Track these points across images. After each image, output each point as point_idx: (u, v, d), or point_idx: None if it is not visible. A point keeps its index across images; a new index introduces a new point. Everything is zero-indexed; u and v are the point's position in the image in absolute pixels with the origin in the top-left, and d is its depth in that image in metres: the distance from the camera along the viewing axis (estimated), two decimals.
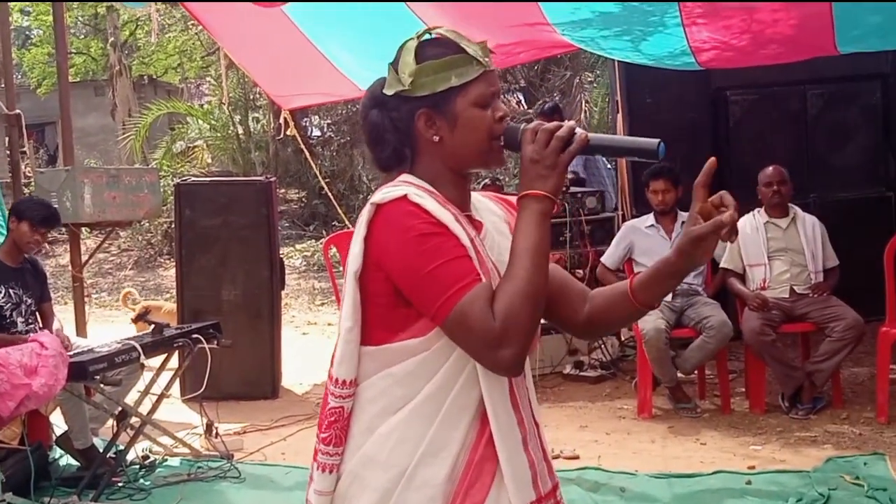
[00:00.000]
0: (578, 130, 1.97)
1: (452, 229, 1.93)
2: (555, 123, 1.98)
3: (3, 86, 10.69)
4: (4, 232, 6.58)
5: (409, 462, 1.97)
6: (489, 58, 2.05)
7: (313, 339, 10.56)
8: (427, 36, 2.08)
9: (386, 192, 1.95)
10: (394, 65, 2.06)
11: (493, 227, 2.11)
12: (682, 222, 6.75)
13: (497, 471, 1.99)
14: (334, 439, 2.03)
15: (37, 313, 5.92)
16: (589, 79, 17.88)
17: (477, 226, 2.08)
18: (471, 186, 2.15)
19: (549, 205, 1.94)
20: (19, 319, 5.74)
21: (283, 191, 18.14)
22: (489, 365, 1.91)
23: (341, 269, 8.51)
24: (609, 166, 9.03)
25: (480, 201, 2.18)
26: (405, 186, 1.97)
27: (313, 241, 16.73)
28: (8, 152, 8.58)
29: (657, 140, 1.96)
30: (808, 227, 6.70)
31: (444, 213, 1.94)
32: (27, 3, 23.14)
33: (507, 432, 2.00)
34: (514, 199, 2.05)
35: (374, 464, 2.00)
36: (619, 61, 7.82)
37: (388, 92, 2.05)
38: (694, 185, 1.99)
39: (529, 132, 1.97)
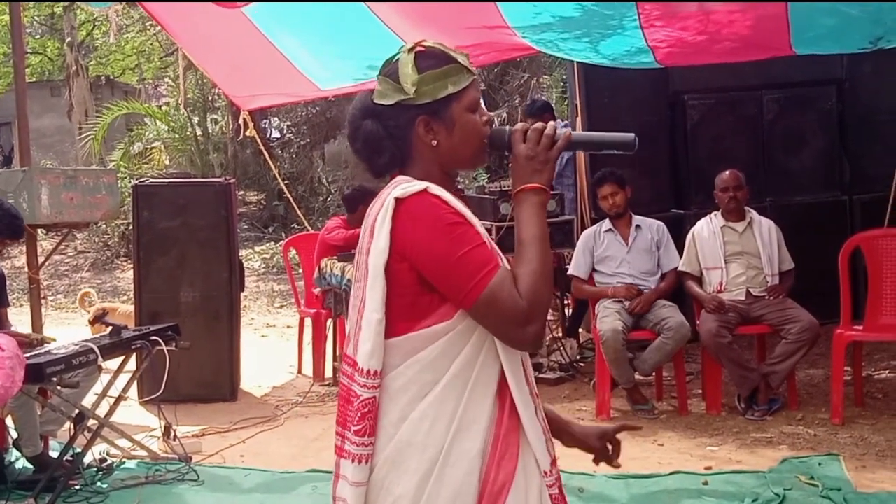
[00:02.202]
0: (560, 129, 2.21)
1: (470, 219, 2.11)
2: (541, 123, 2.21)
3: None
4: None
5: (445, 440, 2.09)
6: (473, 67, 2.24)
7: (272, 341, 10.53)
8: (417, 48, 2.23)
9: (405, 188, 2.10)
10: (389, 76, 2.20)
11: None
12: (638, 225, 6.86)
13: (521, 441, 2.15)
14: (368, 430, 2.11)
15: None
16: (547, 82, 17.96)
17: None
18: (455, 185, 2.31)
19: (545, 196, 2.17)
20: None
21: (241, 193, 18.06)
22: (516, 341, 2.10)
23: (301, 271, 8.51)
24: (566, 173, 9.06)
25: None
26: (420, 181, 2.13)
27: (272, 243, 16.66)
28: None
29: (632, 134, 2.22)
30: (765, 230, 6.77)
31: (460, 205, 2.13)
32: None
33: (526, 403, 2.16)
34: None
35: (412, 447, 2.09)
36: (577, 64, 7.87)
37: (386, 102, 2.19)
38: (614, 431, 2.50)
39: (519, 133, 2.20)
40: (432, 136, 2.19)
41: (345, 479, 2.14)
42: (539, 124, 2.20)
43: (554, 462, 2.21)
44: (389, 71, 2.20)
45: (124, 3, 6.53)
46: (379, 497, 2.12)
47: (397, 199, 2.09)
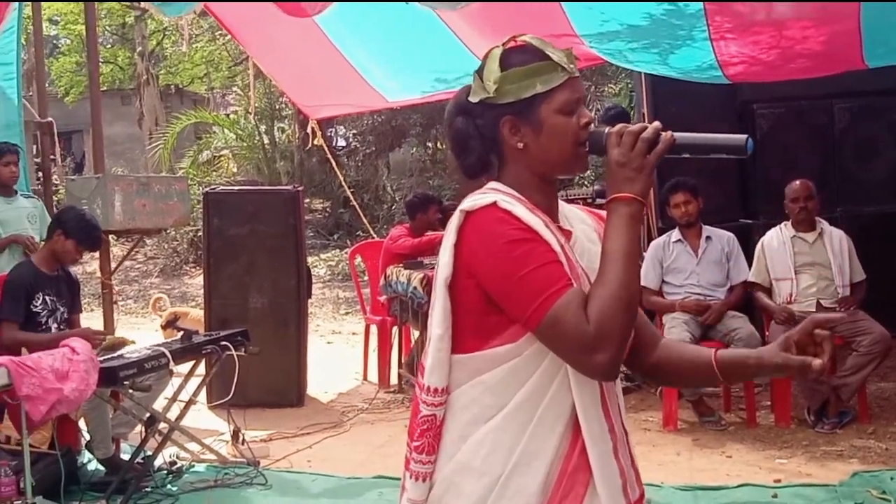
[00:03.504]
0: (663, 131, 1.96)
1: (542, 235, 1.93)
2: (640, 125, 1.96)
3: (32, 94, 10.81)
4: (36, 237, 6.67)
5: (503, 470, 1.96)
6: (574, 64, 2.05)
7: (338, 348, 10.61)
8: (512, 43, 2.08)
9: (475, 200, 1.96)
10: (478, 72, 2.06)
11: (583, 234, 2.10)
12: (708, 237, 6.77)
13: (590, 481, 1.98)
14: (427, 447, 2.02)
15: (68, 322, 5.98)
16: (613, 90, 17.88)
17: (566, 233, 2.06)
18: (557, 193, 2.15)
19: (638, 207, 1.93)
20: (53, 326, 5.80)
21: (307, 201, 18.20)
22: (584, 369, 1.90)
23: (366, 278, 8.54)
24: None
25: (570, 210, 2.18)
26: (493, 193, 1.98)
27: (338, 250, 16.79)
28: (38, 160, 8.67)
29: (745, 136, 1.96)
30: (836, 241, 6.69)
31: (534, 219, 1.94)
32: (57, 9, 23.34)
33: (598, 440, 1.98)
34: (603, 212, 2.03)
35: (468, 471, 1.99)
36: (644, 73, 7.84)
37: (473, 99, 2.06)
38: (811, 318, 2.00)
39: (614, 135, 1.96)
40: (518, 138, 2.03)
41: (406, 491, 2.08)
42: (637, 125, 1.96)
43: (638, 500, 2.07)
44: (480, 66, 2.07)
45: (198, 5, 6.59)
46: None
47: (464, 212, 1.96)
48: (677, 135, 1.95)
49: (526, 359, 1.95)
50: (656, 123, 1.97)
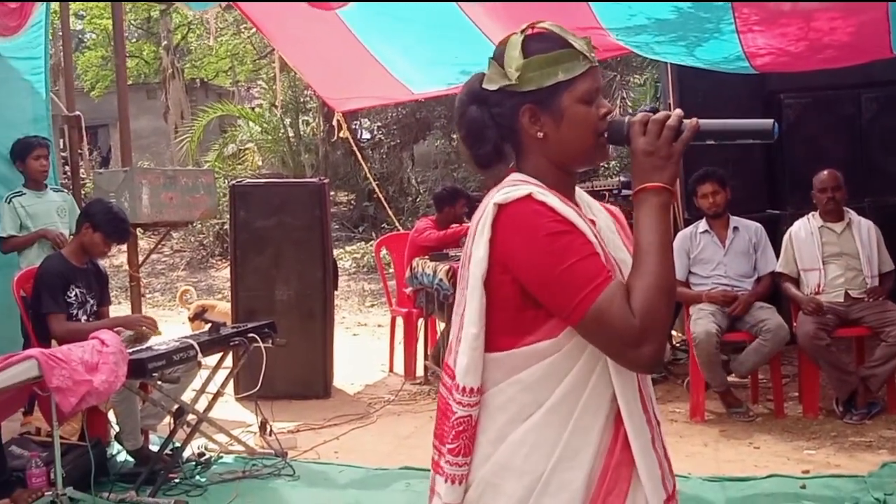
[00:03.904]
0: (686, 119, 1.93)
1: (579, 226, 1.88)
2: (664, 113, 1.92)
3: (59, 89, 10.88)
4: (66, 232, 6.72)
5: (545, 468, 1.92)
6: (594, 53, 2.01)
7: (364, 339, 10.64)
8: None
9: (507, 192, 1.90)
10: (496, 59, 2.01)
11: (605, 223, 2.07)
12: (735, 227, 6.74)
13: (632, 475, 1.95)
14: (463, 449, 1.96)
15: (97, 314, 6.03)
16: (638, 81, 17.83)
17: (591, 223, 2.00)
18: (576, 183, 2.11)
19: (668, 196, 1.90)
20: (83, 318, 5.85)
21: (332, 193, 18.25)
22: (628, 363, 1.87)
23: (392, 270, 8.56)
24: None
25: (587, 197, 2.13)
26: (526, 185, 1.93)
27: (363, 243, 16.83)
28: (65, 154, 8.73)
29: (771, 120, 1.93)
30: (864, 231, 6.65)
31: (569, 211, 1.89)
32: (82, 5, 23.46)
33: (639, 432, 1.95)
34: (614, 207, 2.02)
35: (508, 471, 1.94)
36: (671, 63, 7.81)
37: (491, 87, 2.00)
38: None
39: (638, 124, 1.92)
40: (538, 128, 1.98)
41: (438, 496, 2.00)
42: (662, 114, 1.92)
43: (669, 498, 2.01)
44: (498, 53, 2.01)
45: (223, 4, 6.61)
46: None
47: (498, 206, 1.89)
48: (702, 122, 1.93)
49: (565, 354, 1.92)
50: (678, 111, 1.94)
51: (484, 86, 2.02)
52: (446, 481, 1.98)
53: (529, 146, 2.02)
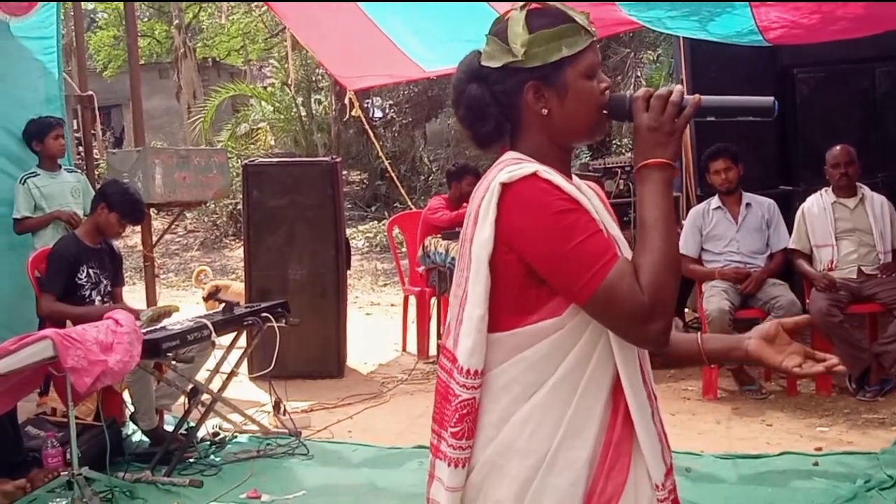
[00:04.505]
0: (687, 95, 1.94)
1: (584, 204, 1.89)
2: (665, 89, 1.94)
3: (71, 69, 10.89)
4: (80, 212, 6.73)
5: (549, 447, 1.92)
6: (594, 27, 2.00)
7: (377, 319, 10.65)
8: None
9: (512, 171, 1.88)
10: (498, 36, 1.99)
11: (596, 201, 2.04)
12: (748, 203, 6.73)
13: (634, 450, 1.96)
14: (466, 432, 1.95)
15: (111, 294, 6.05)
16: (651, 57, 17.76)
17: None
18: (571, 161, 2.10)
19: (671, 172, 1.92)
20: (97, 298, 5.87)
21: (345, 172, 18.21)
22: (638, 340, 1.88)
23: (404, 249, 8.56)
24: None
25: (575, 177, 2.11)
26: (530, 164, 1.92)
27: (375, 222, 16.84)
28: (78, 134, 8.74)
29: (771, 98, 1.95)
30: (877, 206, 6.62)
31: (573, 189, 1.89)
32: None
33: (641, 407, 1.96)
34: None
35: (512, 452, 1.93)
36: (684, 38, 7.78)
37: (494, 64, 1.98)
38: (777, 323, 2.08)
39: (641, 100, 1.93)
40: (543, 104, 1.97)
41: (440, 481, 1.99)
42: (664, 89, 1.94)
43: (669, 471, 2.01)
44: (499, 30, 1.98)
45: None
46: (476, 501, 1.97)
47: (503, 185, 1.87)
48: (704, 98, 1.94)
49: (568, 331, 1.91)
50: (679, 87, 1.95)
51: (484, 63, 2.00)
52: (449, 465, 1.96)
53: (531, 123, 2.01)
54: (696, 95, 1.94)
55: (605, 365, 1.93)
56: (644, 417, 1.96)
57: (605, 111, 2.00)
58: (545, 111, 1.98)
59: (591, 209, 1.90)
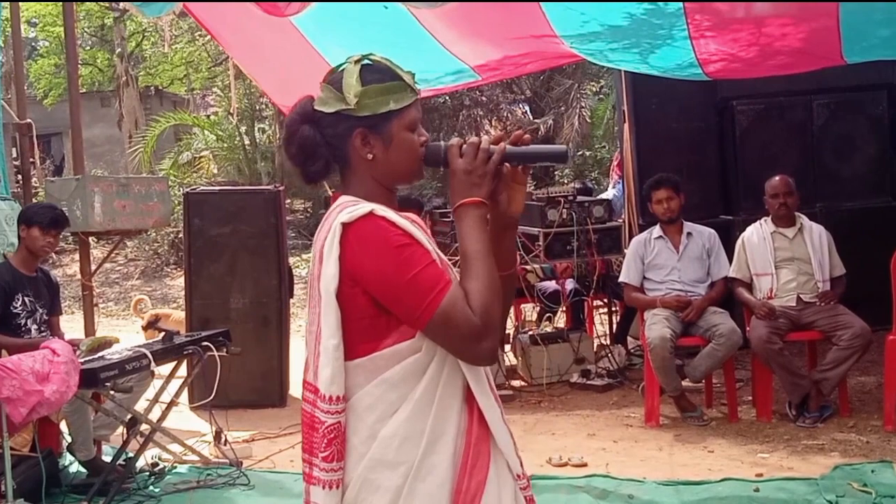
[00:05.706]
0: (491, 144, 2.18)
1: (417, 238, 2.09)
2: (476, 138, 2.17)
3: (10, 97, 10.74)
4: (16, 241, 6.62)
5: (415, 456, 2.08)
6: (418, 86, 2.22)
7: None
8: (365, 61, 2.20)
9: (351, 211, 2.08)
10: (333, 85, 2.18)
11: (421, 233, 2.19)
12: (689, 233, 6.81)
13: (492, 448, 2.15)
14: (336, 455, 2.10)
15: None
16: (594, 88, 17.93)
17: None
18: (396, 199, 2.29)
19: (485, 210, 2.15)
20: (33, 327, 5.78)
21: (288, 201, 18.17)
22: (472, 357, 2.08)
23: None
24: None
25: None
26: (365, 203, 2.10)
27: None
28: (17, 162, 8.62)
29: (564, 147, 2.30)
30: (815, 236, 6.71)
31: (407, 224, 2.10)
32: (35, 11, 23.22)
33: (492, 408, 2.16)
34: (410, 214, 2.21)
35: (383, 465, 2.08)
36: (625, 70, 7.86)
37: (327, 109, 2.17)
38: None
39: (455, 147, 2.17)
40: (368, 150, 2.17)
41: None
42: (475, 139, 2.18)
43: (522, 474, 2.22)
44: (334, 79, 2.19)
45: (178, 5, 6.54)
46: None
47: (344, 224, 2.07)
48: (507, 147, 2.18)
49: (425, 351, 2.10)
50: (486, 137, 2.20)
51: (317, 107, 2.19)
52: (323, 488, 2.10)
53: (357, 165, 2.21)
54: (502, 144, 2.17)
55: (456, 375, 2.12)
56: (496, 417, 2.16)
57: (423, 160, 2.22)
58: (370, 156, 2.18)
59: (423, 241, 2.10)
